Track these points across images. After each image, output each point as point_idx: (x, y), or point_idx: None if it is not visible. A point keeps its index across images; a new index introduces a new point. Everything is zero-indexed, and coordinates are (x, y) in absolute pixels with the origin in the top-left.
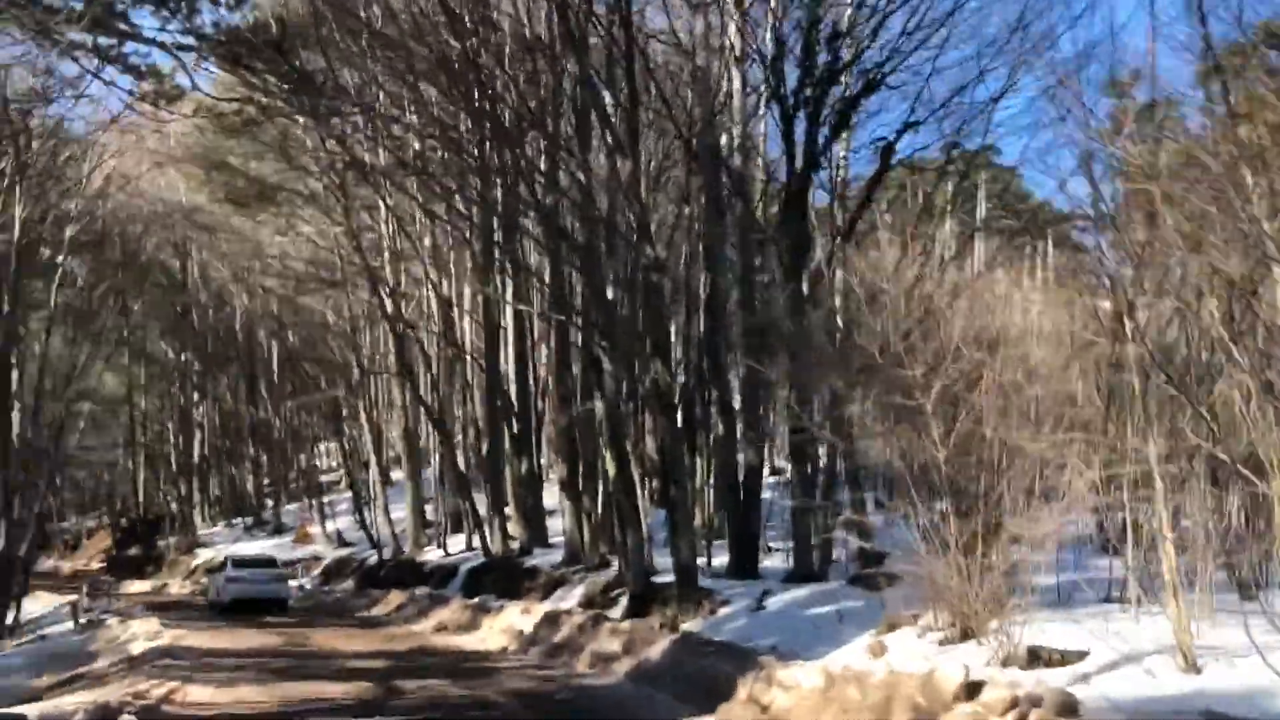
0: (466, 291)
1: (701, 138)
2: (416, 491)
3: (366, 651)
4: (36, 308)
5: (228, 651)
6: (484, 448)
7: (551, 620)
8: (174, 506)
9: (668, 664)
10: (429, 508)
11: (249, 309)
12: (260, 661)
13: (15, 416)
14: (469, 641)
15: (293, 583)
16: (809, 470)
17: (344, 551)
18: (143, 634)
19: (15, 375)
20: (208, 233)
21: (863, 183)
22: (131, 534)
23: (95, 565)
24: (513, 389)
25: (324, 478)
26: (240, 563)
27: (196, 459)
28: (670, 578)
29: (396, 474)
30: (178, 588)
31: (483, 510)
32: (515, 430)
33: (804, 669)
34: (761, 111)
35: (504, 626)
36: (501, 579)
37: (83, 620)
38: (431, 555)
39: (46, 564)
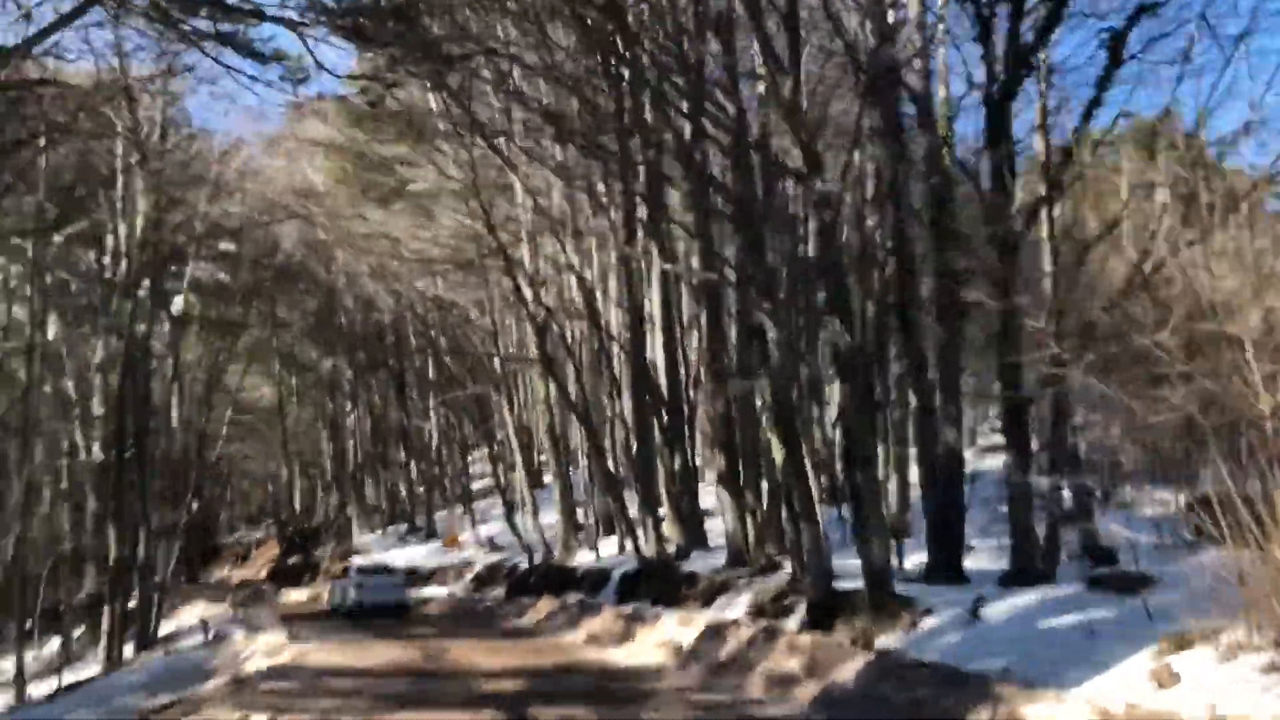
0: (611, 281)
1: (877, 55)
2: (566, 493)
3: (506, 669)
4: (185, 318)
5: (349, 670)
6: (633, 444)
7: (715, 632)
8: (331, 515)
9: (864, 690)
10: (580, 511)
11: (394, 309)
12: (381, 683)
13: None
14: (621, 656)
15: (443, 590)
16: (1025, 446)
17: (495, 557)
18: (264, 649)
19: (159, 385)
20: (344, 226)
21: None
22: (293, 543)
23: (262, 575)
24: (661, 378)
25: (476, 484)
26: (362, 570)
27: (351, 467)
28: (854, 583)
29: (548, 478)
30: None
31: (634, 511)
32: (665, 423)
33: (1062, 702)
34: (943, 29)
35: (661, 639)
36: (657, 585)
37: (210, 635)
38: (583, 560)
39: (218, 574)
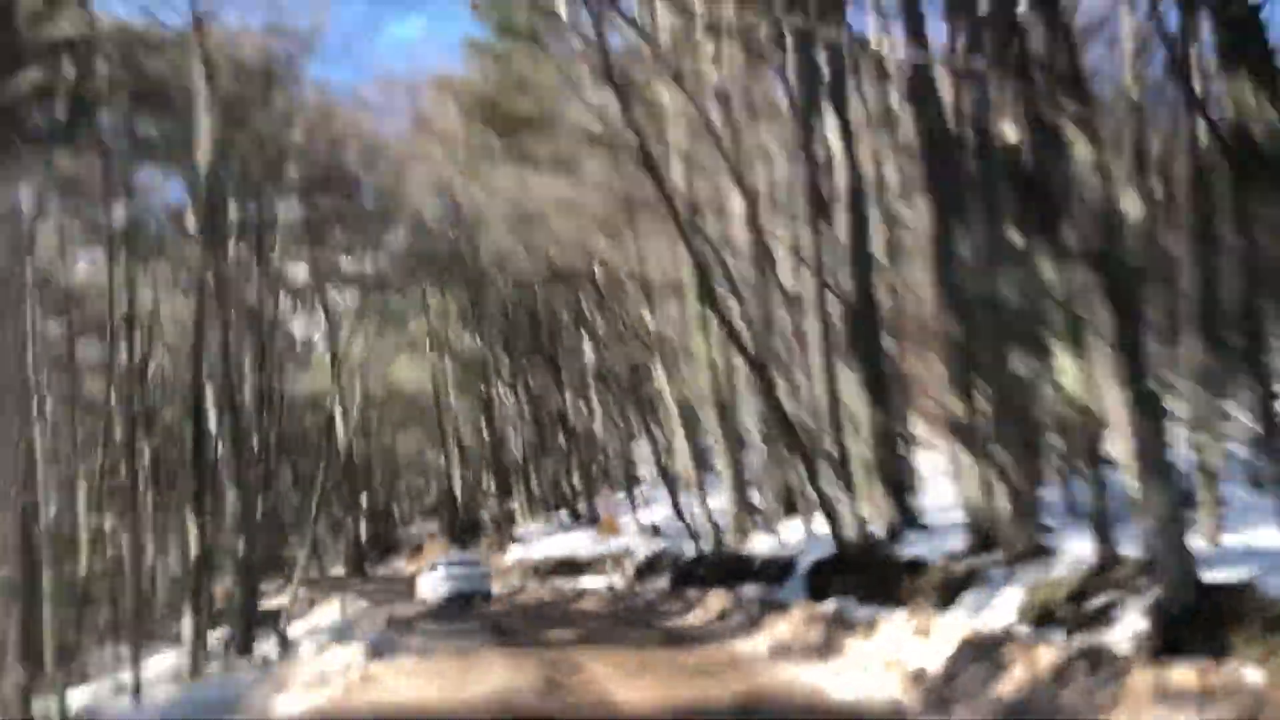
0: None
1: None
2: (736, 469)
3: (656, 706)
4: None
5: (429, 709)
6: (816, 390)
7: (979, 649)
8: (494, 505)
9: None
10: (754, 492)
11: (544, 278)
12: None
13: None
14: (828, 680)
15: (600, 582)
16: None
17: (658, 545)
18: (336, 669)
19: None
20: (481, 180)
21: None
22: (455, 537)
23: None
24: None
25: (640, 470)
26: (451, 563)
27: (512, 456)
28: (1219, 575)
29: (716, 458)
30: None
31: (829, 486)
32: (864, 367)
33: None
34: None
35: (885, 655)
36: (864, 576)
37: (281, 645)
38: (759, 546)
39: (389, 568)
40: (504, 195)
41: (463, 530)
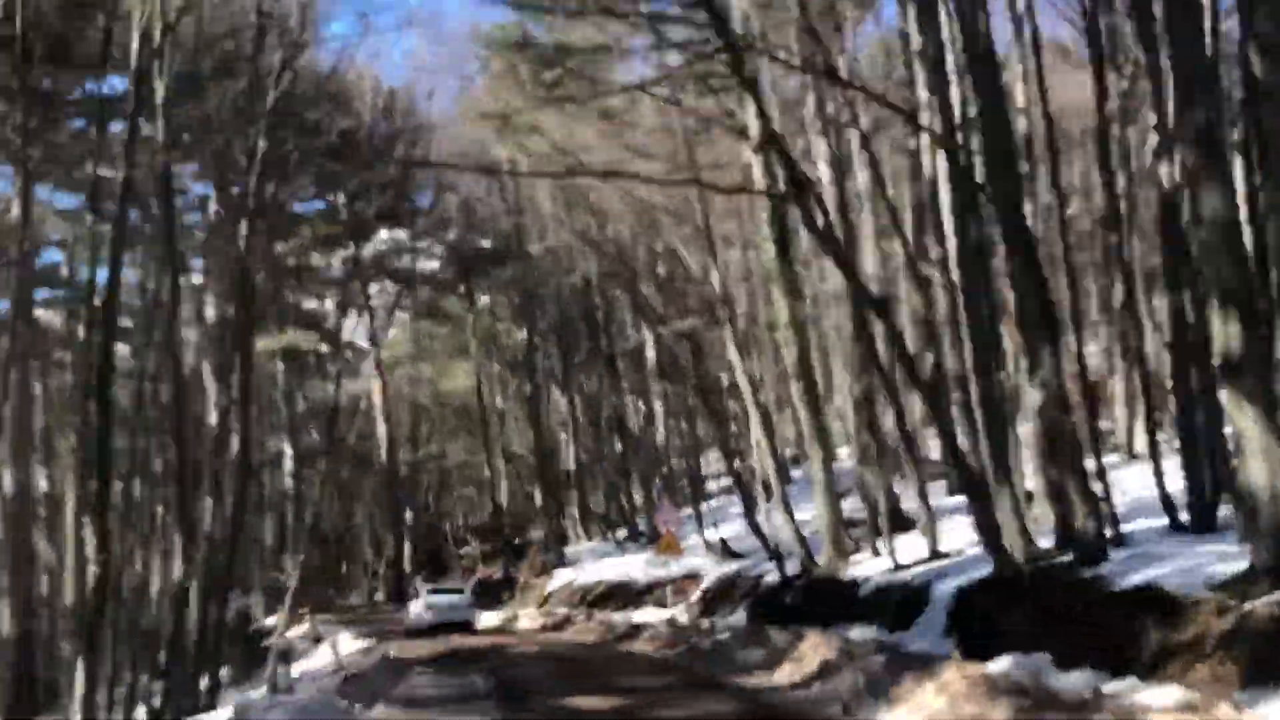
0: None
1: None
2: (828, 469)
3: None
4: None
5: None
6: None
7: None
8: (546, 521)
9: None
10: (851, 499)
11: (599, 255)
12: None
13: None
14: None
15: (659, 615)
16: None
17: (731, 566)
18: None
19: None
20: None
21: None
22: (504, 556)
23: None
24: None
25: (711, 485)
26: (434, 591)
27: (564, 466)
28: None
29: (806, 461)
30: (528, 620)
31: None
32: (1031, 302)
33: None
34: None
35: None
36: (1053, 615)
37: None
38: (865, 569)
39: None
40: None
41: (497, 552)
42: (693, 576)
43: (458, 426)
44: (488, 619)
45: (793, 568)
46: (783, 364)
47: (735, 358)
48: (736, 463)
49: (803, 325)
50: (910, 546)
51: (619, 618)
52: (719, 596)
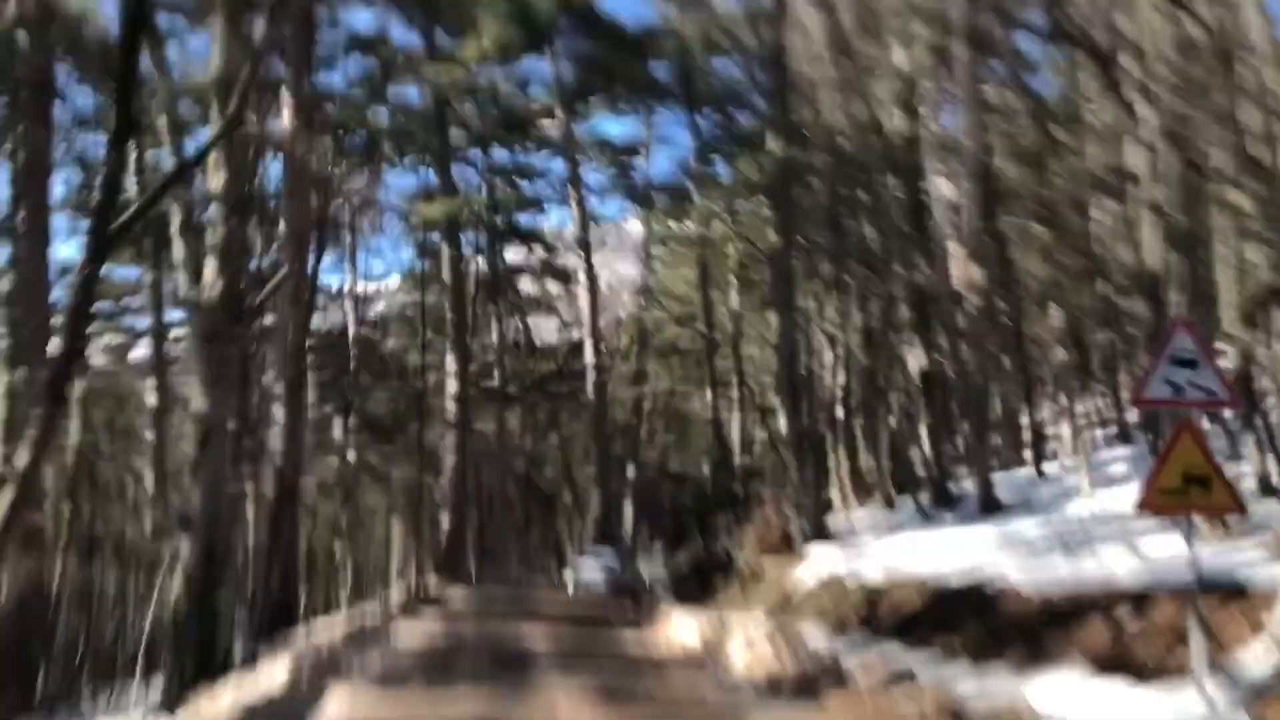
0: None
1: None
2: None
3: None
4: None
5: None
6: None
7: None
8: (791, 478)
9: None
10: None
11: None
12: None
13: None
14: None
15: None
16: None
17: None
18: None
19: None
20: None
21: None
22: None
23: None
24: None
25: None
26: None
27: (838, 406)
28: None
29: None
30: (747, 652)
31: None
32: None
33: None
34: None
35: None
36: None
37: None
38: None
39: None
40: None
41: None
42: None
43: (675, 354)
44: (673, 627)
45: None
46: None
47: None
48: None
49: None
50: None
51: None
52: None
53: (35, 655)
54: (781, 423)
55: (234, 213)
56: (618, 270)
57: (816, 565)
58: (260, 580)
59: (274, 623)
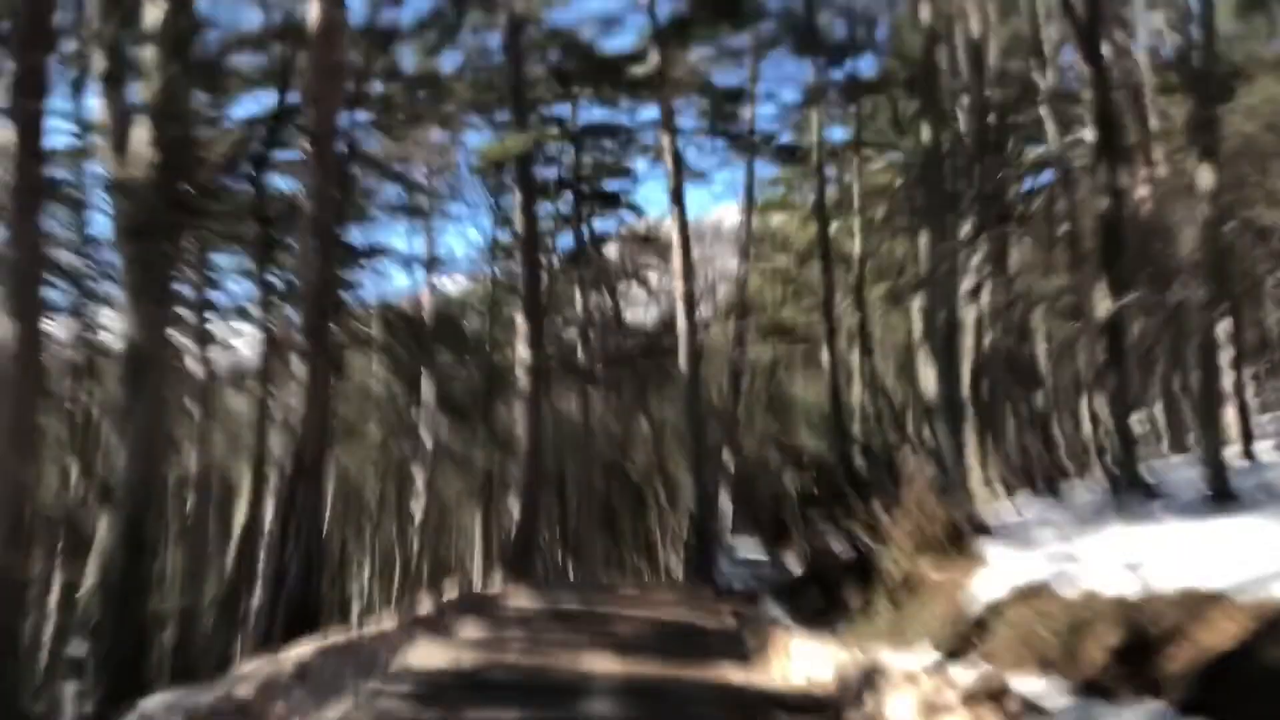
0: None
1: None
2: None
3: None
4: None
5: None
6: None
7: None
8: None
9: None
10: None
11: None
12: None
13: None
14: None
15: None
16: None
17: None
18: None
19: None
20: None
21: None
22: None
23: None
24: None
25: None
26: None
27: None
28: None
29: None
30: None
31: None
32: None
33: None
34: None
35: None
36: None
37: None
38: None
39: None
40: None
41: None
42: None
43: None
44: (793, 661)
45: None
46: None
47: None
48: None
49: None
50: None
51: None
52: None
53: None
54: (929, 384)
55: (176, 56)
56: (716, 265)
57: (995, 574)
58: (269, 575)
59: (291, 624)
